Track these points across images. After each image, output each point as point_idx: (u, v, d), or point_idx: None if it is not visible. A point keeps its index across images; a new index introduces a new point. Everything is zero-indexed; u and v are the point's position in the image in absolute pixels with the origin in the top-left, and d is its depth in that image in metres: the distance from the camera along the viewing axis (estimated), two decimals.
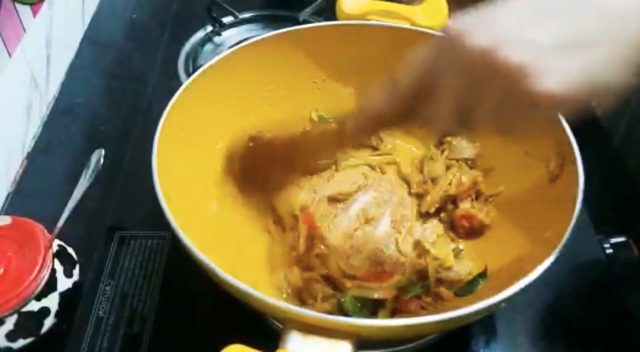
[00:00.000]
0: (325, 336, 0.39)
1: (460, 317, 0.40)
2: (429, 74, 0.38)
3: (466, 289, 0.54)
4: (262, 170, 0.59)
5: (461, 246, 0.59)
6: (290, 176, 0.61)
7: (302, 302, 0.54)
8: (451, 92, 0.37)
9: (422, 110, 0.40)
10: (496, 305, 0.40)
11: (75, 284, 0.56)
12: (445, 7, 0.71)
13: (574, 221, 0.45)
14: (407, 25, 0.66)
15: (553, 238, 0.45)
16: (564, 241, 0.44)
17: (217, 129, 0.61)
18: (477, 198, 0.60)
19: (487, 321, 0.55)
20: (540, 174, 0.55)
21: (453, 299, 0.54)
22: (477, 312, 0.40)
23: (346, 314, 0.51)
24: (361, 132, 0.48)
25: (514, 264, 0.51)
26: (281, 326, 0.52)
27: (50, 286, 0.53)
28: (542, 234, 0.49)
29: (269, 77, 0.65)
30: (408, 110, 0.41)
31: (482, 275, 0.54)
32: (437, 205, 0.61)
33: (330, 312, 0.50)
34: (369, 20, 0.68)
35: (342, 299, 0.52)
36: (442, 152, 0.65)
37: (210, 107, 0.60)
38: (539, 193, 0.55)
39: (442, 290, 0.54)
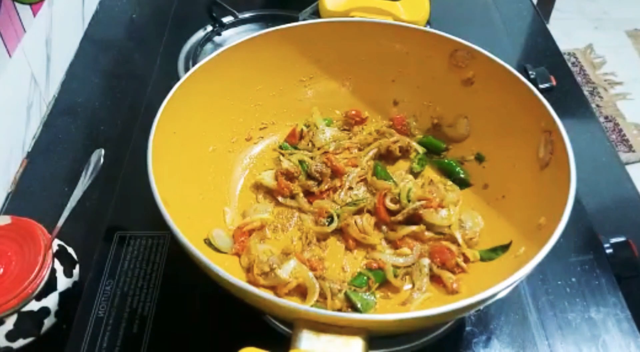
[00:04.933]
0: (338, 333, 0.39)
1: (462, 308, 0.40)
2: None
3: (488, 255, 0.55)
4: None
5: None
6: None
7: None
8: None
9: None
10: (496, 293, 0.40)
11: (75, 284, 0.56)
12: (426, 1, 0.71)
13: (570, 203, 0.45)
14: (393, 21, 0.66)
15: (549, 224, 0.45)
16: (562, 225, 0.44)
17: (208, 132, 0.61)
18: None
19: (486, 321, 0.56)
20: (531, 162, 0.55)
21: (478, 262, 0.55)
22: (474, 304, 0.40)
23: (356, 310, 0.52)
24: None
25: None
26: (281, 325, 0.53)
27: (50, 285, 0.53)
28: (537, 221, 0.49)
29: (256, 77, 0.65)
30: None
31: (504, 247, 0.54)
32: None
33: (340, 310, 0.51)
34: (353, 17, 0.68)
35: (353, 288, 0.53)
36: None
37: (200, 111, 0.60)
38: (531, 181, 0.55)
39: (469, 251, 0.55)
